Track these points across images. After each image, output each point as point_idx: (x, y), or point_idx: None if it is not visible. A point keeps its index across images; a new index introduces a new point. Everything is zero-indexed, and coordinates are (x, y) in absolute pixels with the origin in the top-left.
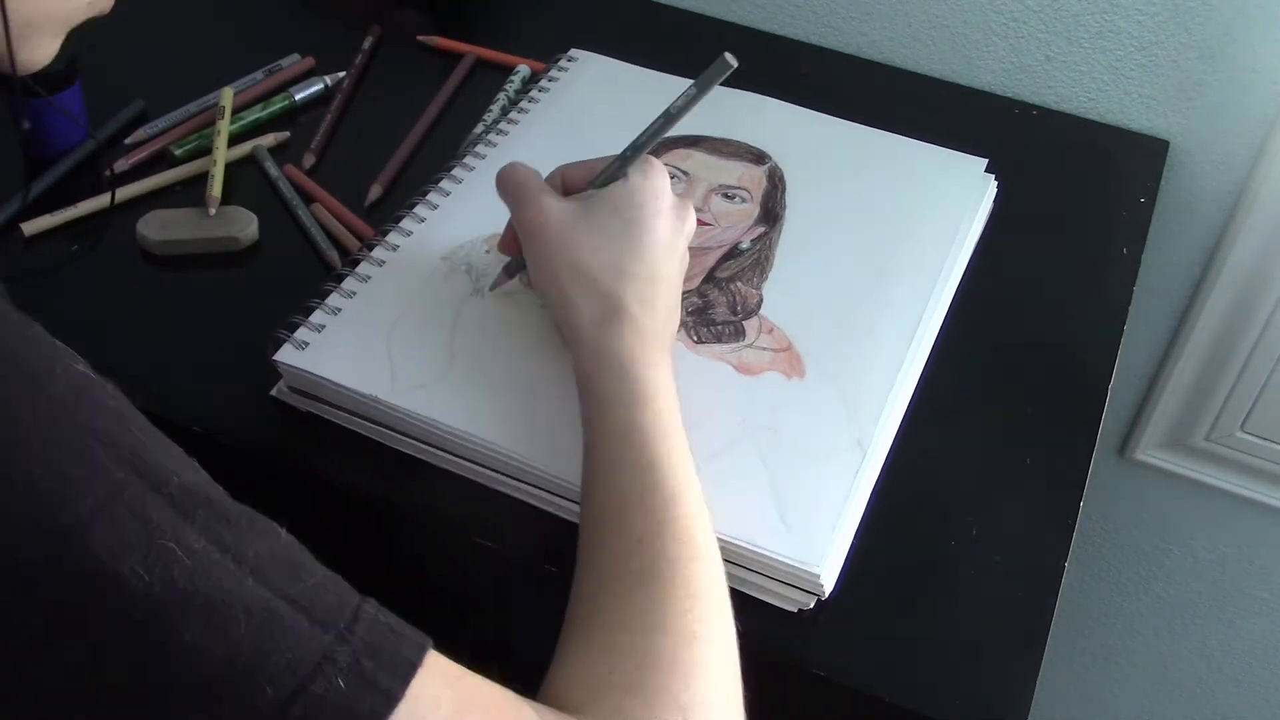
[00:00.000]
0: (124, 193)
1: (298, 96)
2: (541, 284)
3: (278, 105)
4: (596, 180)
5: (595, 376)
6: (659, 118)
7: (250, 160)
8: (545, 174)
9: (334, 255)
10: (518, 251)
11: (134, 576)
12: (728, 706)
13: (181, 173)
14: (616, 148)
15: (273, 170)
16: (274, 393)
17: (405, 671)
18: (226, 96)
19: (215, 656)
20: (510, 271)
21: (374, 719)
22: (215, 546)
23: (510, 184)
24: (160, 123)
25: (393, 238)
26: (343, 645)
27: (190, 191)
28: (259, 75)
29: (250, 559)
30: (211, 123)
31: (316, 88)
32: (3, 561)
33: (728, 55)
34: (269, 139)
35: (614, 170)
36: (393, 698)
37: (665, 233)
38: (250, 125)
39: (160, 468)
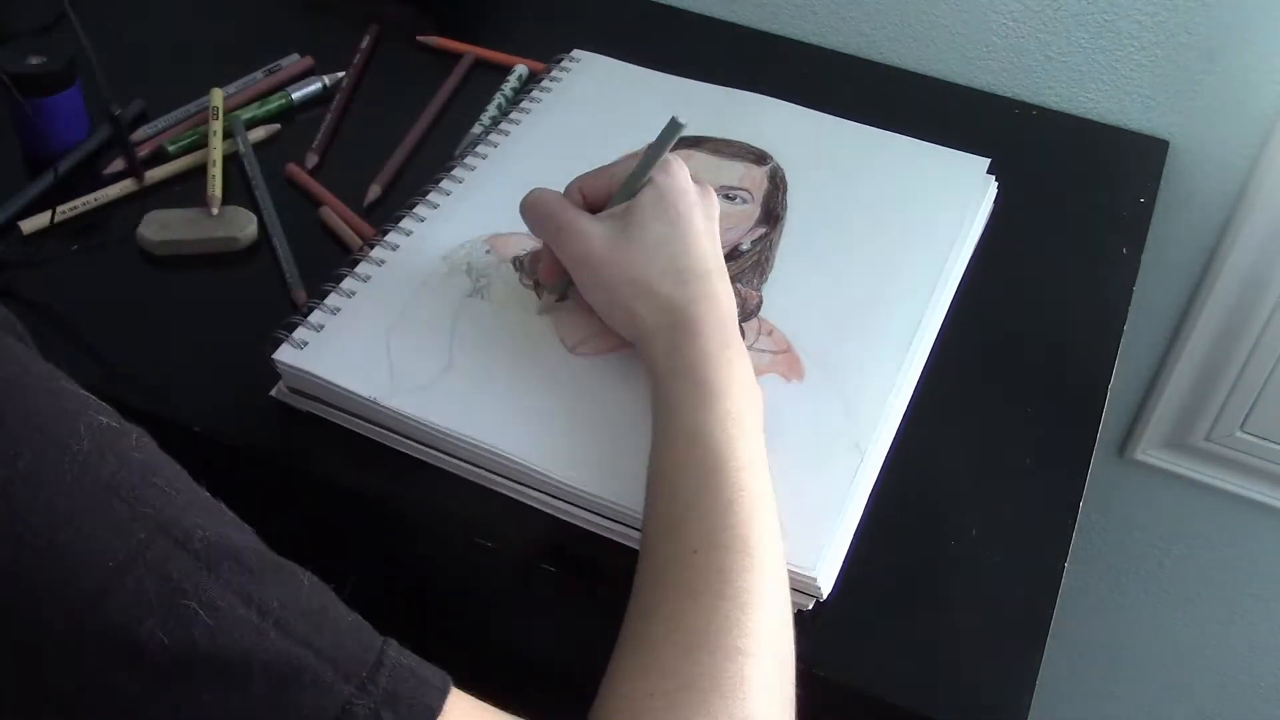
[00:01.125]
0: (121, 189)
1: (295, 95)
2: (603, 306)
3: (274, 104)
4: (620, 194)
5: (666, 382)
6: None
7: (257, 155)
8: (549, 175)
9: (298, 285)
10: (563, 276)
11: (152, 639)
12: None
13: (175, 168)
14: (619, 147)
15: (251, 169)
16: (273, 393)
17: (425, 718)
18: (217, 97)
19: (234, 716)
20: (561, 296)
21: None
22: (240, 600)
23: (541, 215)
24: (159, 122)
25: (393, 237)
26: (363, 696)
27: (190, 192)
28: (258, 75)
29: (275, 610)
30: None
31: (314, 87)
32: (26, 627)
33: (677, 116)
34: (259, 132)
35: (636, 180)
36: None
37: (702, 223)
38: (247, 124)
39: (185, 522)
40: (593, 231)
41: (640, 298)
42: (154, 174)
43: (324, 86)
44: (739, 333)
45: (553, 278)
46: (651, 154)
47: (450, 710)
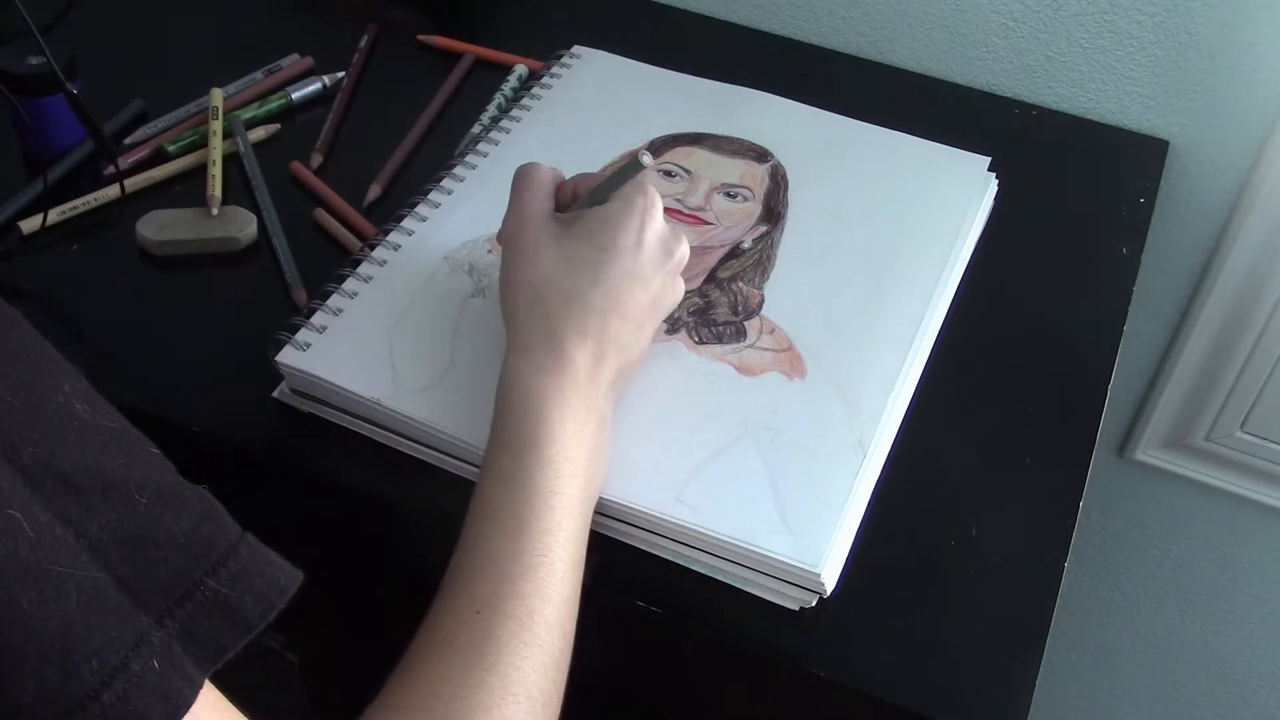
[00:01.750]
0: (117, 190)
1: (295, 95)
2: (502, 294)
3: (274, 104)
4: (584, 200)
5: (499, 410)
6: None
7: (257, 155)
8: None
9: (298, 285)
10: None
11: None
12: None
13: (175, 168)
14: (620, 144)
15: (251, 169)
16: (275, 394)
17: (213, 658)
18: (217, 97)
19: (50, 625)
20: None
21: (181, 703)
22: (59, 519)
23: (518, 183)
24: (159, 123)
25: (394, 237)
26: (159, 629)
27: (189, 191)
28: (259, 75)
29: (92, 533)
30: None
31: (314, 87)
32: None
33: (641, 158)
34: (259, 132)
35: (600, 194)
36: (196, 684)
37: (634, 265)
38: (246, 124)
39: (14, 437)
40: (535, 217)
41: (526, 303)
42: (153, 174)
43: (324, 86)
44: (610, 379)
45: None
46: (610, 183)
47: (242, 651)
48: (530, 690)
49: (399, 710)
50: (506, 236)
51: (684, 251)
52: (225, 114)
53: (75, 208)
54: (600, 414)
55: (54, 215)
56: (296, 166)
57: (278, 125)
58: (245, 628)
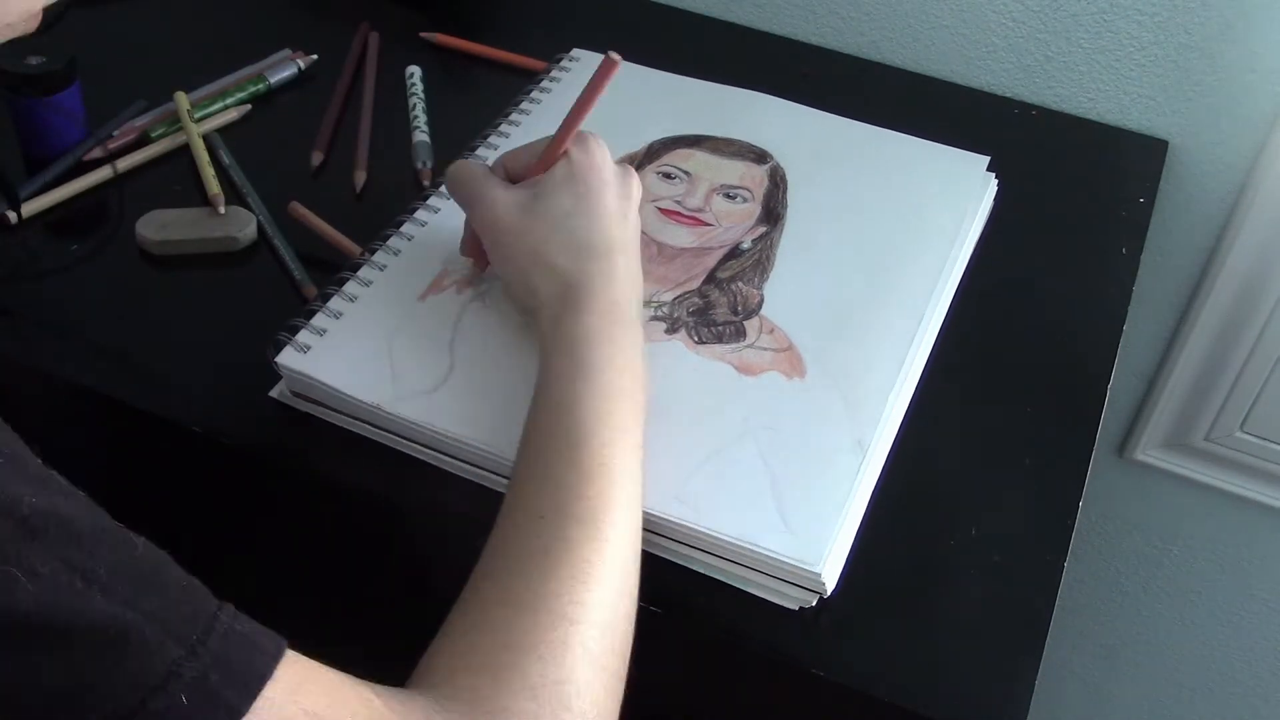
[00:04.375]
0: (101, 174)
1: (272, 80)
2: (506, 275)
3: (249, 89)
4: (539, 164)
5: (549, 355)
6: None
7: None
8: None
9: (306, 282)
10: (481, 253)
11: None
12: (590, 689)
13: (153, 151)
14: (619, 147)
15: (227, 158)
16: (273, 394)
17: (254, 685)
18: (181, 100)
19: (58, 677)
20: (480, 270)
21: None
22: (64, 566)
23: (458, 184)
24: (145, 118)
25: (394, 242)
26: (192, 659)
27: (189, 191)
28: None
29: (101, 575)
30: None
31: (289, 71)
32: None
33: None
34: (231, 114)
35: (554, 146)
36: (236, 712)
37: (614, 201)
38: (221, 109)
39: (10, 490)
40: (501, 198)
41: (537, 269)
42: (132, 158)
43: (299, 70)
44: (636, 312)
45: (473, 254)
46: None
47: (281, 675)
48: (603, 575)
49: (484, 604)
50: (483, 223)
51: (638, 184)
52: (195, 106)
53: (35, 207)
54: (640, 345)
55: (41, 202)
56: (295, 207)
57: (249, 107)
58: (273, 653)
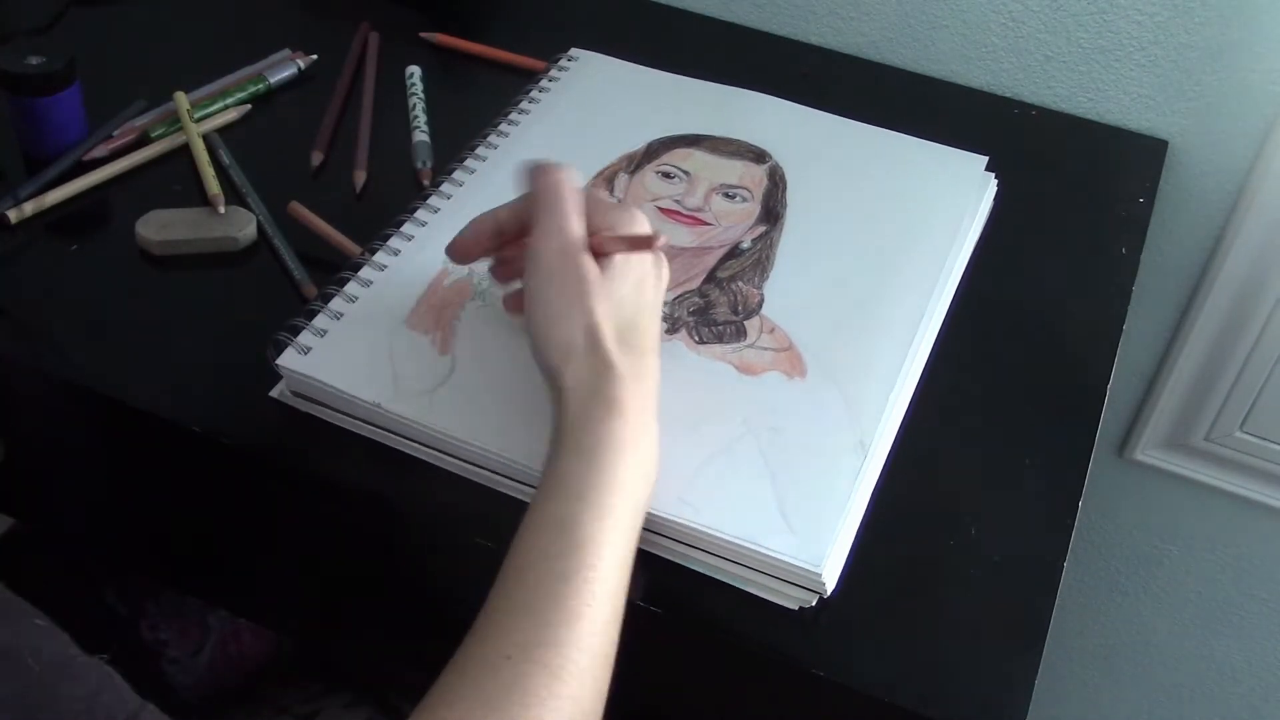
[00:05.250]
0: (100, 175)
1: (272, 80)
2: (538, 325)
3: (250, 89)
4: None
5: (564, 447)
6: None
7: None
8: None
9: (306, 282)
10: (508, 262)
11: None
12: None
13: (153, 151)
14: (619, 147)
15: (226, 158)
16: (274, 394)
17: None
18: (181, 100)
19: None
20: (497, 279)
21: None
22: None
23: (553, 198)
24: (145, 118)
25: (395, 242)
26: None
27: (189, 191)
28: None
29: None
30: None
31: (289, 71)
32: None
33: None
34: (231, 114)
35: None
36: None
37: (655, 298)
38: (221, 109)
39: None
40: (577, 250)
41: (587, 337)
42: (132, 159)
43: (299, 70)
44: (655, 418)
45: (508, 272)
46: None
47: None
48: None
49: None
50: (548, 253)
51: (668, 270)
52: (195, 107)
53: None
54: (656, 441)
55: (41, 202)
56: (295, 207)
57: (249, 106)
58: None
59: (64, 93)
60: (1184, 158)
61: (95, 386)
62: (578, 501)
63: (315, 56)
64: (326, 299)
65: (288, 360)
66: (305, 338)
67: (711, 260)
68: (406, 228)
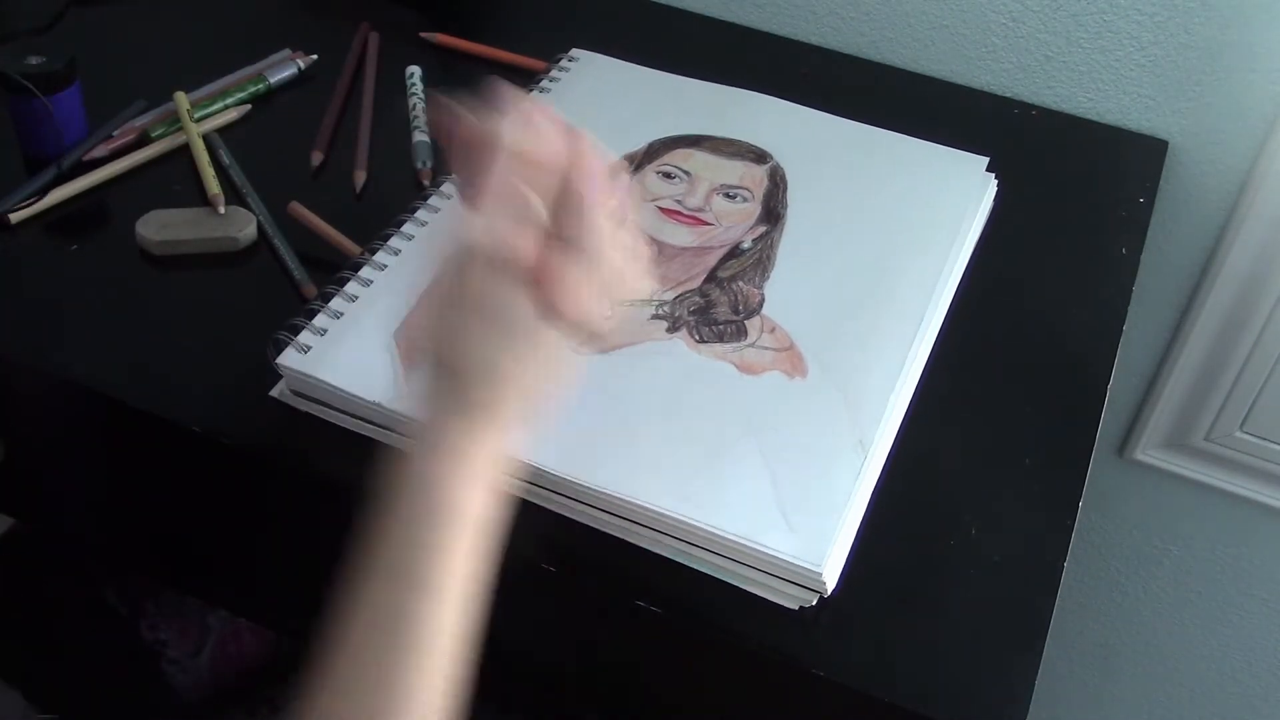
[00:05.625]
0: (100, 175)
1: (272, 80)
2: (450, 320)
3: (250, 89)
4: None
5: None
6: None
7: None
8: None
9: (306, 282)
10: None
11: None
12: None
13: (153, 151)
14: (619, 147)
15: (226, 158)
16: (274, 393)
17: None
18: (181, 100)
19: None
20: (464, 197)
21: None
22: None
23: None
24: (145, 118)
25: (395, 242)
26: None
27: (189, 191)
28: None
29: None
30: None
31: (289, 71)
32: None
33: None
34: (231, 114)
35: None
36: None
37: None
38: (221, 109)
39: None
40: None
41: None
42: (132, 159)
43: (299, 70)
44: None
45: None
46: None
47: None
48: None
49: None
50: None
51: None
52: (195, 107)
53: (24, 206)
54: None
55: (42, 202)
56: (295, 207)
57: (249, 107)
58: None
59: (64, 93)
60: (1184, 158)
61: (95, 386)
62: (409, 574)
63: (315, 56)
64: (326, 299)
65: (288, 359)
66: (305, 337)
67: (712, 260)
68: (406, 228)
